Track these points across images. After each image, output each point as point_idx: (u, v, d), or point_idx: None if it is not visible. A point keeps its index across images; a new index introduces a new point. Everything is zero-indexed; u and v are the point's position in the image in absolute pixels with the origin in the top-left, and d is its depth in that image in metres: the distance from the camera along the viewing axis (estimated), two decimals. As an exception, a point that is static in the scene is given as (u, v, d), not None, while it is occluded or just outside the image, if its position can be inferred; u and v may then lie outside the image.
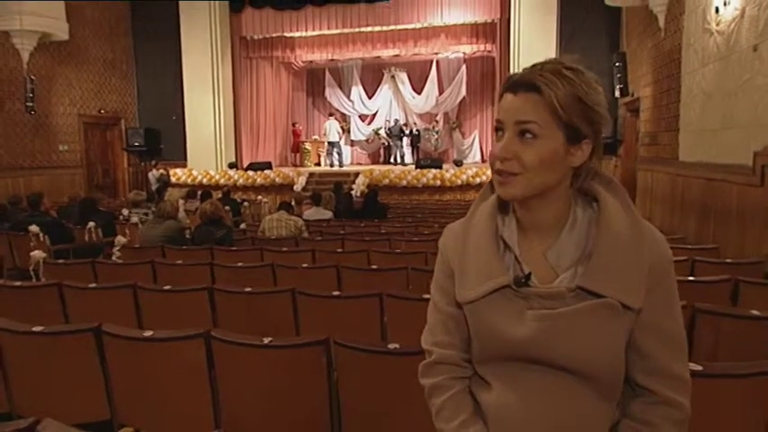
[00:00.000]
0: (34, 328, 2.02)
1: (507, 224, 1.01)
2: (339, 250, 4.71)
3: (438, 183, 11.87)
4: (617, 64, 9.53)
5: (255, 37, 13.96)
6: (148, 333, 1.94)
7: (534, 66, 0.94)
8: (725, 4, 5.29)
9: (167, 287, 2.93)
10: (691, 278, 2.95)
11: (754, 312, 2.11)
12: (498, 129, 0.96)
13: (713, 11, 5.56)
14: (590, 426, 0.93)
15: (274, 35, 13.84)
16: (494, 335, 0.95)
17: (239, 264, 3.84)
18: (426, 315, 1.10)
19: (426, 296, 1.10)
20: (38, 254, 4.07)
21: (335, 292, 2.76)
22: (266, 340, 1.84)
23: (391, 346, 1.77)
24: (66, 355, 2.05)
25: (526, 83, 0.93)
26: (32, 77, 10.57)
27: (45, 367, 2.06)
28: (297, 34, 14.01)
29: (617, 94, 9.74)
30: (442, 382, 1.02)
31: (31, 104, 10.59)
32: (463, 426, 0.98)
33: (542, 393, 0.93)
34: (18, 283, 3.15)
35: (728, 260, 3.68)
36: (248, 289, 2.83)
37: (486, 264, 0.97)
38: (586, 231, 0.95)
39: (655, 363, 0.93)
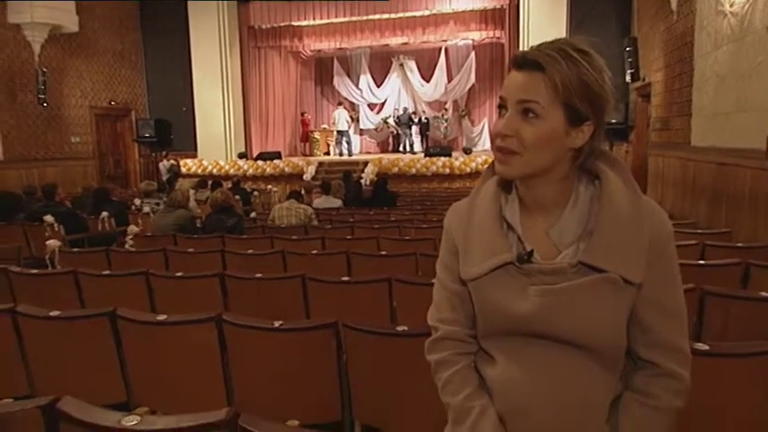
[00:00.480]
0: (51, 313, 2.07)
1: (510, 203, 1.02)
2: (348, 237, 4.74)
3: (447, 171, 11.85)
4: (628, 48, 9.42)
5: (263, 26, 13.94)
6: (162, 317, 1.99)
7: (542, 44, 0.94)
8: (738, -15, 5.21)
9: (179, 274, 2.98)
10: (701, 262, 2.94)
11: (763, 294, 2.11)
12: (501, 106, 0.96)
13: (726, -8, 5.48)
14: (593, 398, 0.95)
15: (282, 24, 13.81)
16: (498, 310, 0.97)
17: (250, 251, 3.87)
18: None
19: (435, 281, 1.12)
20: (53, 243, 4.14)
21: (345, 278, 2.79)
22: (277, 323, 1.87)
23: (400, 328, 1.79)
24: (82, 339, 2.09)
25: (531, 61, 0.93)
26: (44, 69, 10.66)
27: (63, 351, 2.11)
28: (305, 23, 13.96)
29: (628, 79, 9.63)
30: (447, 358, 1.04)
31: (43, 96, 10.69)
32: (468, 399, 1.00)
33: (546, 367, 0.95)
34: (35, 271, 3.21)
35: (739, 244, 3.65)
36: (259, 275, 2.86)
37: (490, 242, 0.98)
38: (588, 208, 0.96)
39: (656, 336, 0.95)
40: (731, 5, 5.42)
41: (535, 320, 0.93)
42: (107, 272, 3.13)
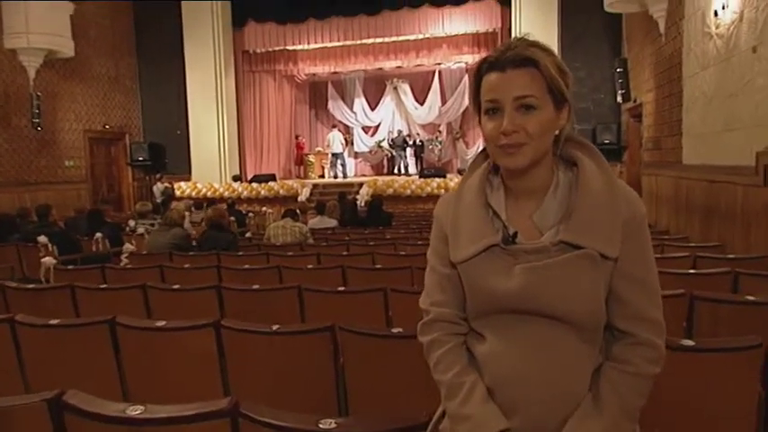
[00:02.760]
0: (51, 322, 2.08)
1: (495, 192, 1.09)
2: (344, 253, 4.76)
3: (442, 191, 11.91)
4: (618, 70, 9.62)
5: (258, 51, 14.13)
6: (161, 323, 2.00)
7: (509, 45, 1.02)
8: (723, 7, 5.35)
9: (176, 286, 2.99)
10: (691, 271, 2.98)
11: (750, 298, 2.15)
12: (493, 108, 1.02)
13: (712, 14, 5.62)
14: (576, 368, 1.01)
15: (277, 49, 14.02)
16: (486, 290, 1.03)
17: (246, 266, 3.88)
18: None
19: (426, 270, 1.16)
20: (49, 260, 4.15)
21: (340, 288, 2.81)
22: (274, 327, 1.89)
23: (395, 330, 1.82)
24: (81, 347, 2.10)
25: (519, 59, 1.00)
26: (38, 94, 10.71)
27: (61, 360, 2.11)
28: (299, 47, 14.19)
29: (619, 99, 9.81)
30: (438, 338, 1.09)
31: (37, 120, 10.72)
32: (458, 375, 1.05)
33: (532, 340, 1.01)
34: (31, 286, 3.21)
35: (730, 256, 3.70)
36: (255, 286, 2.88)
37: (477, 227, 1.05)
38: (568, 193, 1.04)
39: (632, 308, 1.01)
40: (717, 27, 5.57)
41: (521, 296, 0.99)
42: (104, 285, 3.13)
